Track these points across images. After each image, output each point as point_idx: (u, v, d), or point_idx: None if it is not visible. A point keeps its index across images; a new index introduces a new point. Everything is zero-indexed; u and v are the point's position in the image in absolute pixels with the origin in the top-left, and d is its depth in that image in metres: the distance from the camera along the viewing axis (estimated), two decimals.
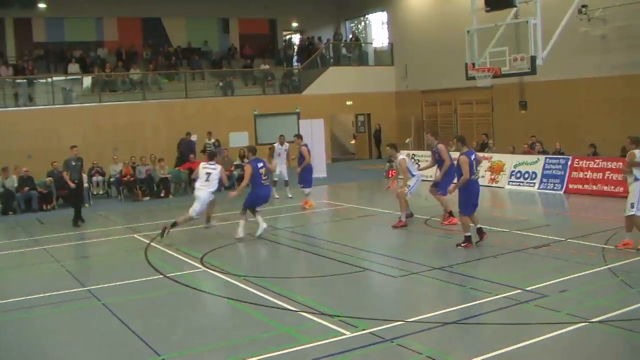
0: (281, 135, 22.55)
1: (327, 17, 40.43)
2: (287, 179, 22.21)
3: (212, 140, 28.22)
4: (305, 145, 20.66)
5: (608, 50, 24.88)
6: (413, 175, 16.10)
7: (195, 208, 15.55)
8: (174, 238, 15.91)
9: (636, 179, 12.70)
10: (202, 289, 11.63)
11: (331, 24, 40.54)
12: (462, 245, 13.53)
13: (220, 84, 33.49)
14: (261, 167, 15.39)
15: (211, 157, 16.47)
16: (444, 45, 30.83)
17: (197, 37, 36.84)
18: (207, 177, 15.56)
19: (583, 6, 23.96)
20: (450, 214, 15.98)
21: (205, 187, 15.56)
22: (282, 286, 11.32)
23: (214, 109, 31.15)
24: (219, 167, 15.87)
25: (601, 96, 25.13)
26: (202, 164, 15.99)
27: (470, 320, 9.19)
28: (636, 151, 12.85)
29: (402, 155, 16.62)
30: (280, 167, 21.55)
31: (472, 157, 13.75)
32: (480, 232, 13.80)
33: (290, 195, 21.97)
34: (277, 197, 21.61)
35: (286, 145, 22.34)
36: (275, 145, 21.66)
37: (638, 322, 8.67)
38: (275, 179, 21.09)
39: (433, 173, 18.18)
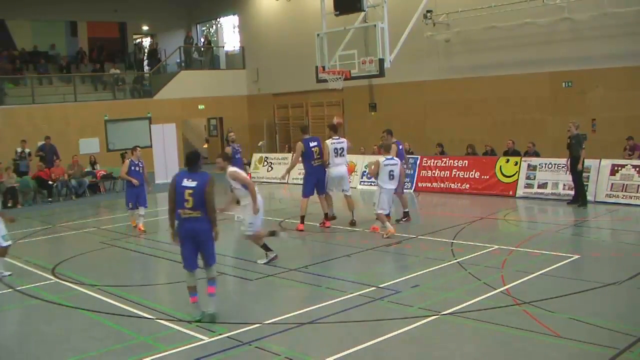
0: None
1: (178, 20, 39.79)
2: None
3: (23, 150, 26.03)
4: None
5: (451, 54, 25.92)
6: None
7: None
8: (23, 250, 15.09)
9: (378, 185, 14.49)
10: (54, 301, 11.01)
11: (182, 28, 39.93)
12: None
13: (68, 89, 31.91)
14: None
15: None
16: (294, 49, 31.11)
17: (43, 40, 35.10)
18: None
19: (428, 11, 24.84)
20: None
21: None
22: (136, 294, 10.98)
23: (62, 114, 29.87)
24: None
25: (445, 98, 26.15)
26: (382, 159, 14.78)
27: (327, 320, 9.24)
28: (381, 158, 14.40)
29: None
30: None
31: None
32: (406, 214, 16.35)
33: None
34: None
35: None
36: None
37: (484, 311, 9.07)
38: None
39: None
